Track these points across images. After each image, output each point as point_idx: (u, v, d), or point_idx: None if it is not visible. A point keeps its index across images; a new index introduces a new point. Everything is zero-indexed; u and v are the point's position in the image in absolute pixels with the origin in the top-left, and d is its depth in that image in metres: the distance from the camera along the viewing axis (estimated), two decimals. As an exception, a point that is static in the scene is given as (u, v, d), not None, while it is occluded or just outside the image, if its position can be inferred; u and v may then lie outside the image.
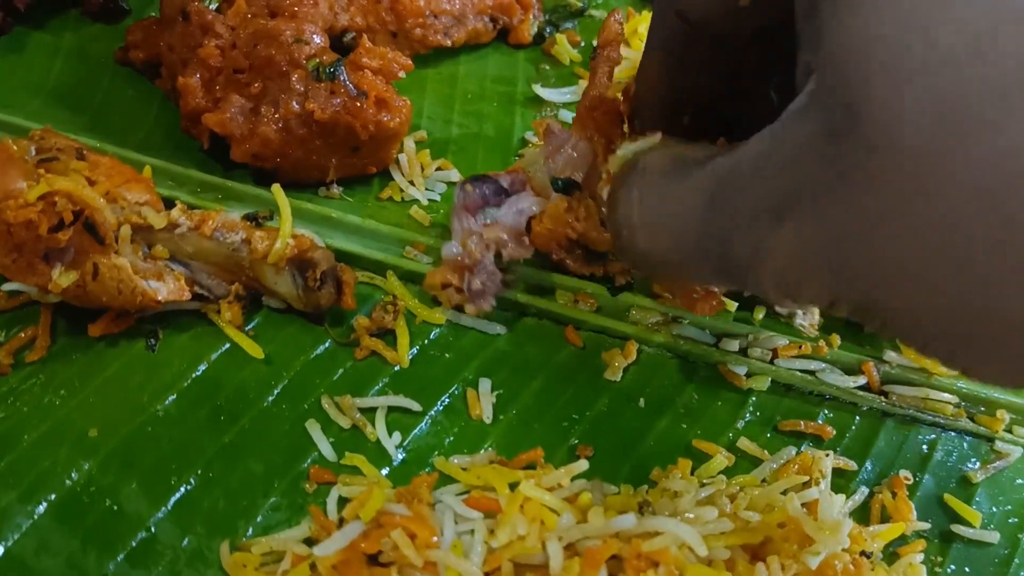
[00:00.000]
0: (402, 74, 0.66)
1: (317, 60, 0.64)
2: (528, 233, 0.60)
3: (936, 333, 0.32)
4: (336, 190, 0.69)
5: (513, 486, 0.53)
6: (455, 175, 0.72)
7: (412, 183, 0.70)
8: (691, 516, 0.51)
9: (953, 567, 0.56)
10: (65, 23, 0.81)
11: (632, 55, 0.80)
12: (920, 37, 0.28)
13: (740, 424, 0.61)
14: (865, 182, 0.30)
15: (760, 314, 0.65)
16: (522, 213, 0.60)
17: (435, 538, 0.50)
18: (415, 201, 0.70)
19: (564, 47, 0.83)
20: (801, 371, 0.63)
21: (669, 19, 0.44)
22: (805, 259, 0.34)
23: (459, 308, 0.62)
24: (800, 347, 0.63)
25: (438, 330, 0.63)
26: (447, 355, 0.62)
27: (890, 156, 0.29)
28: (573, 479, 0.55)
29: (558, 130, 0.59)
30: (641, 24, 0.82)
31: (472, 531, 0.51)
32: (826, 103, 0.31)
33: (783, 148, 0.34)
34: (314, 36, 0.64)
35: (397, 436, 0.58)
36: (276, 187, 0.61)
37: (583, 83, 0.80)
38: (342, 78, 0.63)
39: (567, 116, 0.78)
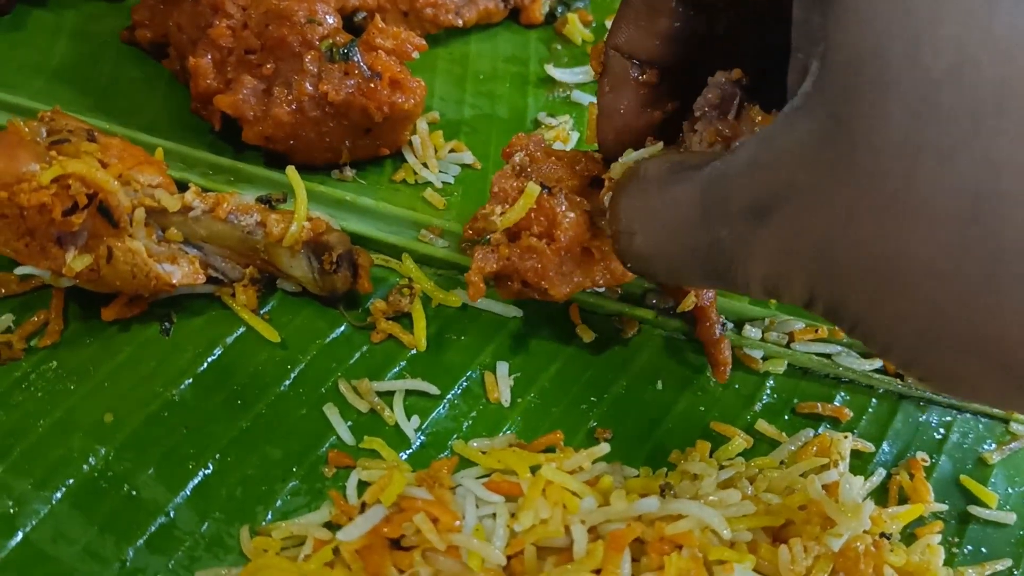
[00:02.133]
0: (416, 54, 0.65)
1: (330, 41, 0.63)
2: None
3: (898, 339, 0.33)
4: (349, 173, 0.68)
5: (534, 469, 0.53)
6: (468, 157, 0.71)
7: (425, 165, 0.70)
8: (714, 499, 0.51)
9: (970, 547, 0.57)
10: (67, 1, 0.79)
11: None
12: (906, 55, 0.30)
13: (758, 407, 0.61)
14: (844, 185, 0.31)
15: (776, 297, 0.65)
16: None
17: (457, 522, 0.50)
18: (428, 184, 0.69)
19: (575, 26, 0.82)
20: (817, 354, 0.63)
21: None
22: (786, 257, 0.35)
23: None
24: (816, 331, 0.63)
25: (454, 313, 0.63)
26: (464, 338, 0.62)
27: (868, 162, 0.30)
28: (593, 462, 0.54)
29: None
30: None
31: (494, 515, 0.51)
32: (818, 108, 0.32)
33: (772, 149, 0.34)
34: (327, 16, 0.63)
35: (415, 420, 0.57)
36: (291, 169, 0.60)
37: (596, 64, 0.79)
38: (356, 59, 0.62)
39: (580, 96, 0.78)
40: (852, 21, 0.31)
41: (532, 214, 0.54)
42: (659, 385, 0.61)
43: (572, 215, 0.53)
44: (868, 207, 0.31)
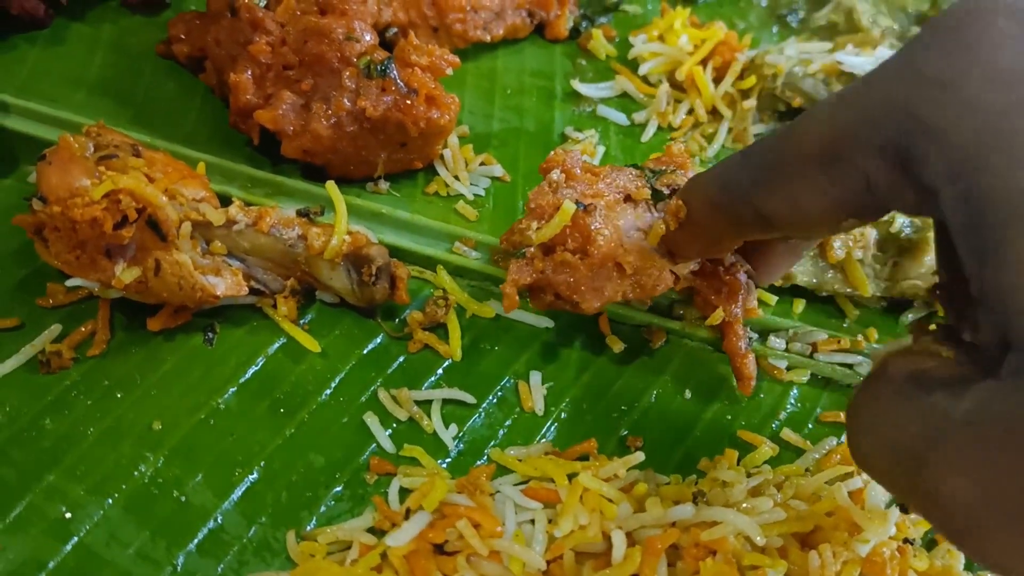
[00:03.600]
0: (449, 71, 0.67)
1: (368, 57, 0.64)
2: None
3: None
4: (384, 185, 0.70)
5: (570, 477, 0.55)
6: (498, 170, 0.73)
7: (457, 178, 0.71)
8: (746, 506, 0.53)
9: (988, 553, 0.58)
10: (104, 14, 0.81)
11: (667, 50, 0.81)
12: None
13: (782, 416, 0.63)
14: None
15: (799, 307, 0.67)
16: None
17: (499, 528, 0.52)
18: (460, 196, 0.71)
19: (600, 42, 0.84)
20: (840, 364, 0.65)
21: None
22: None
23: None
24: (839, 341, 0.65)
25: (488, 324, 0.64)
26: (497, 348, 0.63)
27: None
28: (628, 470, 0.56)
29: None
30: (676, 19, 0.83)
31: (532, 521, 0.53)
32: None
33: (989, 421, 0.34)
34: (364, 33, 0.65)
35: (453, 428, 0.59)
36: (331, 185, 0.62)
37: (620, 78, 0.81)
38: (393, 75, 0.64)
39: (605, 111, 0.79)
40: None
41: (567, 230, 0.55)
42: (687, 394, 0.63)
43: (606, 232, 0.54)
44: None
